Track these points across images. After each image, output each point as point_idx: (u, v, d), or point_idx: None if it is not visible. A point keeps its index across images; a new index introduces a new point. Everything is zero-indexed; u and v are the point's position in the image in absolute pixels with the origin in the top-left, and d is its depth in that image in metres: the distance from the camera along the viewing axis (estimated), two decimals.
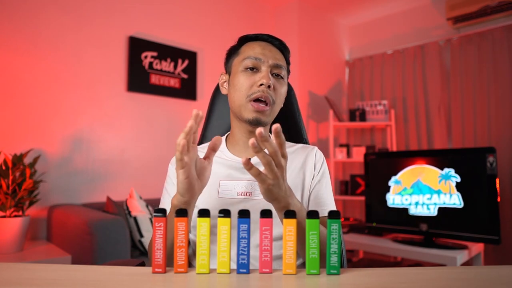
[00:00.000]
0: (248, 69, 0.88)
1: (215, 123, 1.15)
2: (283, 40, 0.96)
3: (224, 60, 0.99)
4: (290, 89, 1.14)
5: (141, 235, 2.09)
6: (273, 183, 0.65)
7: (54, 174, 2.29)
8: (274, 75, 0.89)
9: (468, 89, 3.15)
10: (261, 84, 0.85)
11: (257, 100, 0.86)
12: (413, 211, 2.52)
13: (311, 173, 0.92)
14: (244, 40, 0.94)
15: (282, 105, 0.95)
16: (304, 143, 1.10)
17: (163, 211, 0.61)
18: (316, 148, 0.98)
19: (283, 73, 0.91)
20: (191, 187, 0.69)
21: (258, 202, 0.86)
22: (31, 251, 1.95)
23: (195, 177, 0.70)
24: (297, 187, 0.90)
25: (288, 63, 0.96)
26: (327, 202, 0.90)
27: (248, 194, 0.87)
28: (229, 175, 0.90)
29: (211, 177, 0.86)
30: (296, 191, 0.89)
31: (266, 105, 0.87)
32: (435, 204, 2.43)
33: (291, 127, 1.13)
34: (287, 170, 0.90)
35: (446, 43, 3.31)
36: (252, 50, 0.89)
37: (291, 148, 0.97)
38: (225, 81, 0.96)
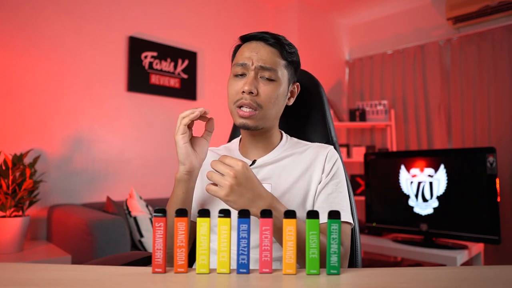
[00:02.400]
0: (238, 75, 0.88)
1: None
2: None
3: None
4: (318, 85, 1.10)
5: (141, 235, 2.09)
6: (225, 193, 0.71)
7: (54, 174, 2.29)
8: (263, 78, 0.86)
9: (468, 89, 3.15)
10: (243, 92, 0.84)
11: (242, 106, 0.86)
12: (413, 210, 2.52)
13: (318, 175, 0.89)
14: (242, 40, 0.92)
15: (280, 106, 0.91)
16: (330, 143, 1.05)
17: (163, 211, 0.61)
18: (330, 147, 0.94)
19: (274, 75, 0.86)
20: (189, 153, 0.78)
21: None
22: (31, 251, 1.95)
23: (191, 147, 0.80)
24: (299, 191, 0.88)
25: (288, 58, 0.89)
26: (337, 206, 0.86)
27: None
28: None
29: None
30: (298, 195, 0.88)
31: (254, 110, 0.85)
32: (434, 203, 2.43)
33: (317, 126, 1.08)
34: (292, 171, 0.90)
35: (446, 43, 3.31)
36: (241, 55, 0.88)
37: (301, 149, 0.94)
38: None
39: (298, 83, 0.97)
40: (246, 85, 0.84)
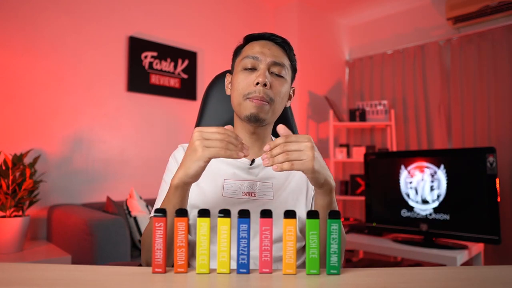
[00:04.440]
0: (247, 69, 0.88)
1: (209, 122, 1.15)
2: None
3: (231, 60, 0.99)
4: None
5: (141, 235, 2.09)
6: (313, 164, 0.69)
7: (54, 174, 2.29)
8: (273, 73, 0.88)
9: (468, 89, 3.15)
10: (258, 83, 0.85)
11: (254, 99, 0.86)
12: (413, 210, 2.52)
13: None
14: (248, 39, 0.94)
15: (284, 104, 0.93)
16: None
17: (163, 211, 0.61)
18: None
19: (284, 71, 0.89)
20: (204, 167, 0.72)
21: (263, 203, 0.86)
22: (31, 251, 1.95)
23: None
24: (301, 190, 0.92)
25: (292, 61, 0.94)
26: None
27: (252, 194, 0.88)
28: (233, 175, 0.90)
29: (215, 175, 0.89)
30: (300, 194, 0.91)
31: (266, 102, 0.86)
32: (434, 203, 2.43)
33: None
34: (289, 172, 0.92)
35: (446, 43, 3.31)
36: (251, 50, 0.89)
37: None
38: (230, 82, 0.96)
39: (294, 88, 1.00)
40: (260, 77, 0.85)
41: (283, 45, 0.91)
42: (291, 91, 0.98)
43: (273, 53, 0.88)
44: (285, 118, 1.13)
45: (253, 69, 0.88)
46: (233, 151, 0.70)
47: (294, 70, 0.96)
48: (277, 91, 0.87)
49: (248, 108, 0.86)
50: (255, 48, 0.89)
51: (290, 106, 1.14)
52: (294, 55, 0.95)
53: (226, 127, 0.73)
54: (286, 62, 0.91)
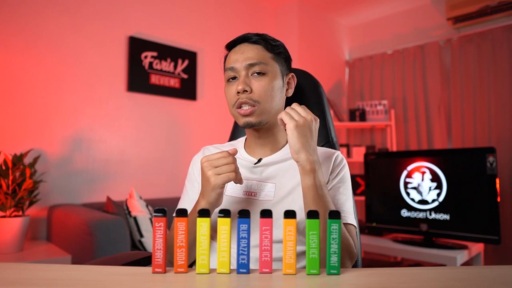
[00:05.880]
0: (230, 79, 0.90)
1: (242, 132, 1.19)
2: (277, 37, 0.95)
3: None
4: (318, 85, 1.12)
5: (141, 235, 2.09)
6: (294, 125, 0.76)
7: (54, 174, 2.29)
8: (255, 74, 0.87)
9: (468, 89, 3.15)
10: (238, 92, 0.86)
11: (241, 105, 0.87)
12: (413, 211, 2.52)
13: (326, 177, 0.90)
14: (228, 47, 0.95)
15: (280, 98, 0.91)
16: (330, 143, 1.08)
17: (163, 211, 0.61)
18: (337, 152, 0.95)
19: (265, 68, 0.87)
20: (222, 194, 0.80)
21: (262, 203, 0.86)
22: (31, 251, 1.95)
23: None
24: None
25: (274, 50, 0.91)
26: (343, 209, 0.87)
27: (253, 194, 0.88)
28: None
29: None
30: (301, 196, 0.87)
31: (253, 106, 0.86)
32: (434, 203, 2.43)
33: (319, 125, 1.10)
34: (297, 172, 0.89)
35: (446, 43, 3.31)
36: (228, 61, 0.91)
37: None
38: None
39: (293, 74, 0.98)
40: (239, 85, 0.86)
41: (259, 41, 0.90)
42: (290, 78, 0.96)
43: (247, 55, 0.88)
44: (323, 117, 1.09)
45: (235, 78, 0.89)
46: (240, 175, 0.78)
47: (283, 57, 0.93)
48: (260, 91, 0.86)
49: (239, 118, 0.88)
50: (231, 58, 0.91)
51: (328, 105, 1.11)
52: (276, 43, 0.92)
53: (229, 150, 0.79)
54: (266, 56, 0.89)
